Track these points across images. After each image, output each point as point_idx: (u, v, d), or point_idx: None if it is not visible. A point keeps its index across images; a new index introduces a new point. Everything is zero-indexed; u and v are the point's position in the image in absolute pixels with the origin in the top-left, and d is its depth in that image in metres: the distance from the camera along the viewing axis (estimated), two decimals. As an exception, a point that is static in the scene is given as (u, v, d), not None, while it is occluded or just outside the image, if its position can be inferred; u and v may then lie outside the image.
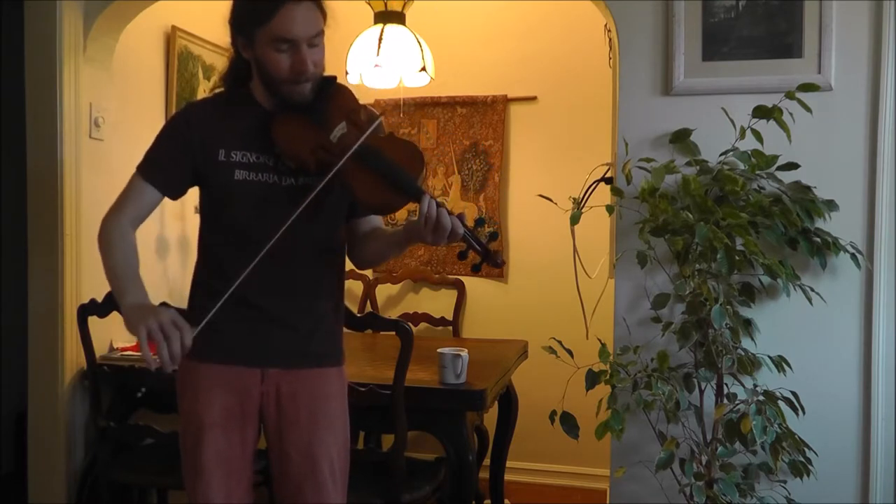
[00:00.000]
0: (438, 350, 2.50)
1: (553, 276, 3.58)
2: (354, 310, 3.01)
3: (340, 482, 1.87)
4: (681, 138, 2.31)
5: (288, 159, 1.76)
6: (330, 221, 1.86)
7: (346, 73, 3.30)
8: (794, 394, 2.15)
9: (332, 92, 1.80)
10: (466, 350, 2.51)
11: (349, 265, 1.99)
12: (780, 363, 2.17)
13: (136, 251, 1.79)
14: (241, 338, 1.82)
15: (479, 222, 1.73)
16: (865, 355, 2.26)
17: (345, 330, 2.05)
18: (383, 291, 4.06)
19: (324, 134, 1.75)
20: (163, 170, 1.81)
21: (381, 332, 2.76)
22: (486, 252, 1.70)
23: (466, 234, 1.68)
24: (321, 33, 1.74)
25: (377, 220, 1.96)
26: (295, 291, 1.83)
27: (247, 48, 1.76)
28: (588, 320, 2.52)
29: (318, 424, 1.84)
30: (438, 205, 1.66)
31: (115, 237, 1.77)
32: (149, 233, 3.09)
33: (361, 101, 1.87)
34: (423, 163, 1.75)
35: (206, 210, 1.88)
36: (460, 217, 1.67)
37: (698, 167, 2.26)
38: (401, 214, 3.88)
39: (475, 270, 1.74)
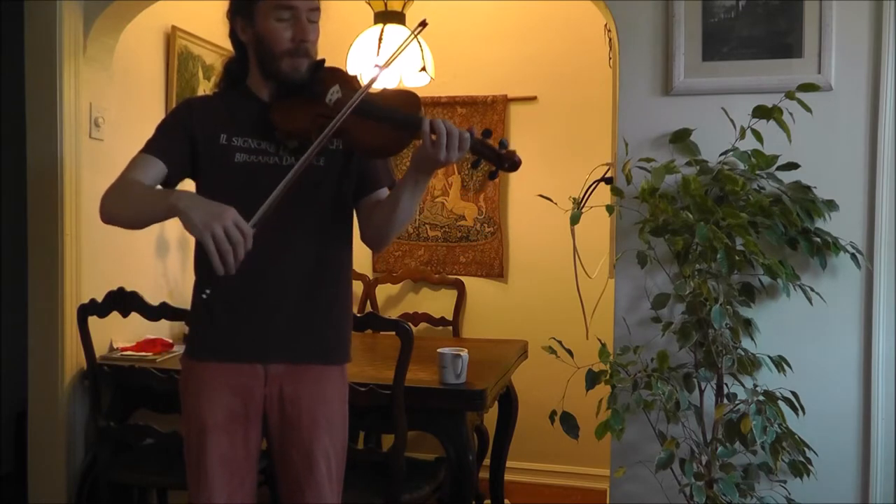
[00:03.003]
0: (438, 350, 2.50)
1: (553, 276, 3.57)
2: (354, 310, 3.01)
3: (336, 482, 1.88)
4: (681, 138, 2.31)
5: (290, 137, 1.78)
6: (332, 207, 1.86)
7: (346, 69, 3.29)
8: (794, 394, 2.15)
9: (323, 72, 1.84)
10: (466, 350, 2.51)
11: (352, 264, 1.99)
12: (780, 363, 2.17)
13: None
14: (242, 334, 1.82)
15: (487, 133, 1.72)
16: (865, 355, 2.26)
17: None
18: (383, 291, 4.05)
19: (319, 102, 1.79)
20: (167, 148, 1.81)
21: (381, 332, 2.76)
22: (498, 156, 1.69)
23: (475, 141, 1.68)
24: (318, 10, 1.80)
25: (384, 195, 1.93)
26: (297, 282, 1.83)
27: (246, 28, 1.80)
28: (588, 320, 2.52)
29: (318, 426, 1.84)
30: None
31: (127, 182, 1.75)
32: (149, 233, 3.09)
33: None
34: (418, 101, 1.78)
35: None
36: (469, 130, 1.68)
37: (698, 167, 2.26)
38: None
39: (492, 178, 1.74)
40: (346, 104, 1.72)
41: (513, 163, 1.68)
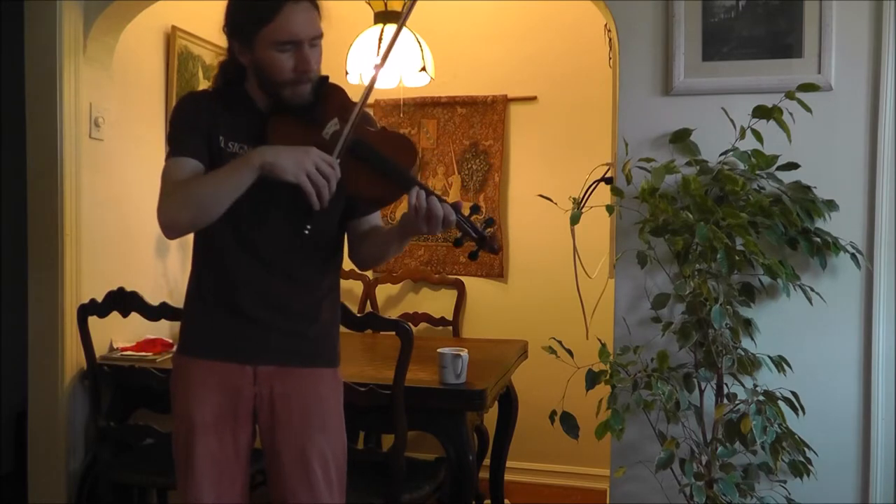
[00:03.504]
0: (438, 350, 2.50)
1: (553, 276, 3.58)
2: (354, 310, 3.01)
3: (337, 483, 1.86)
4: (681, 138, 2.31)
5: None
6: (324, 221, 1.86)
7: (346, 73, 3.30)
8: (794, 394, 2.15)
9: (325, 92, 1.80)
10: (466, 350, 2.51)
11: (350, 265, 2.00)
12: (780, 363, 2.17)
13: None
14: (234, 335, 1.82)
15: (475, 209, 1.72)
16: (865, 355, 2.26)
17: (345, 330, 2.05)
18: (383, 291, 4.05)
19: (316, 132, 1.75)
20: (194, 144, 1.75)
21: (381, 332, 2.76)
22: (481, 238, 1.70)
23: (460, 220, 1.68)
24: (321, 35, 1.75)
25: (376, 220, 1.95)
26: (288, 292, 1.83)
27: (244, 52, 1.75)
28: (588, 320, 2.52)
29: (310, 426, 1.83)
30: (429, 193, 1.66)
31: (179, 188, 1.70)
32: (149, 233, 3.09)
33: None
34: (415, 154, 1.77)
35: None
36: (455, 205, 1.67)
37: (698, 167, 2.26)
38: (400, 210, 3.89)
39: (472, 258, 1.73)
40: (342, 141, 1.70)
41: (492, 248, 1.71)
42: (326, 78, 1.81)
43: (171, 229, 1.72)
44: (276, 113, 1.78)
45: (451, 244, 1.78)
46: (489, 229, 1.71)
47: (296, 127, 1.75)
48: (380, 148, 1.74)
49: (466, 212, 1.70)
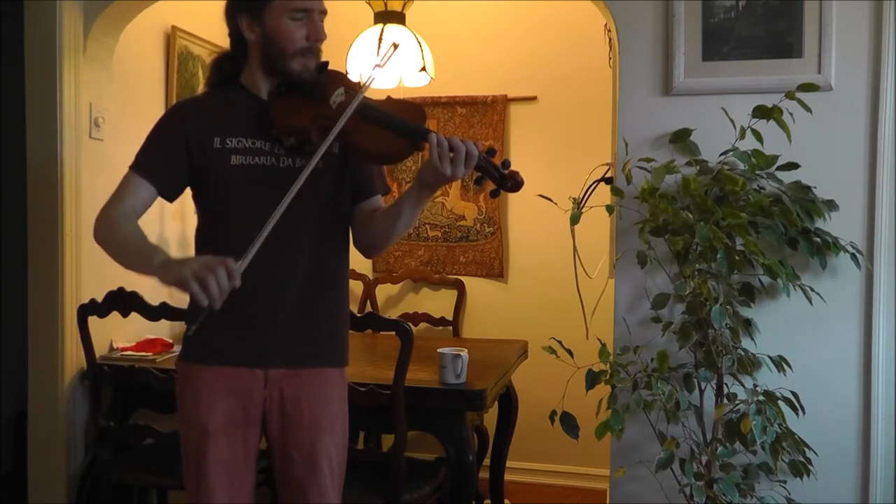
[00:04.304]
0: (438, 350, 2.50)
1: (553, 276, 3.58)
2: (354, 310, 3.01)
3: (338, 482, 1.88)
4: (681, 138, 2.31)
5: (289, 134, 1.77)
6: (329, 210, 1.85)
7: (346, 73, 3.30)
8: (794, 394, 2.15)
9: (328, 73, 1.85)
10: (466, 350, 2.51)
11: (350, 265, 1.99)
12: (780, 363, 2.17)
13: (142, 231, 1.77)
14: (242, 339, 1.81)
15: (491, 152, 1.73)
16: (865, 355, 2.26)
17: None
18: (383, 291, 4.05)
19: (322, 103, 1.79)
20: (157, 166, 1.80)
21: (381, 332, 2.76)
22: (502, 177, 1.72)
23: (481, 158, 1.70)
24: (326, 12, 1.81)
25: (379, 202, 1.95)
26: (297, 288, 1.82)
27: (253, 26, 1.78)
28: (588, 320, 2.52)
29: (320, 427, 1.84)
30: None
31: (117, 219, 1.76)
32: (149, 233, 3.06)
33: None
34: (424, 113, 1.80)
35: (204, 204, 1.87)
36: (475, 143, 1.70)
37: (698, 167, 2.26)
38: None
39: (494, 196, 1.77)
40: (349, 106, 1.72)
41: (515, 182, 1.71)
42: (327, 63, 1.85)
43: (95, 240, 1.80)
44: (279, 95, 1.81)
45: (473, 182, 1.79)
46: (506, 170, 1.72)
47: (299, 103, 1.79)
48: (389, 109, 1.79)
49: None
